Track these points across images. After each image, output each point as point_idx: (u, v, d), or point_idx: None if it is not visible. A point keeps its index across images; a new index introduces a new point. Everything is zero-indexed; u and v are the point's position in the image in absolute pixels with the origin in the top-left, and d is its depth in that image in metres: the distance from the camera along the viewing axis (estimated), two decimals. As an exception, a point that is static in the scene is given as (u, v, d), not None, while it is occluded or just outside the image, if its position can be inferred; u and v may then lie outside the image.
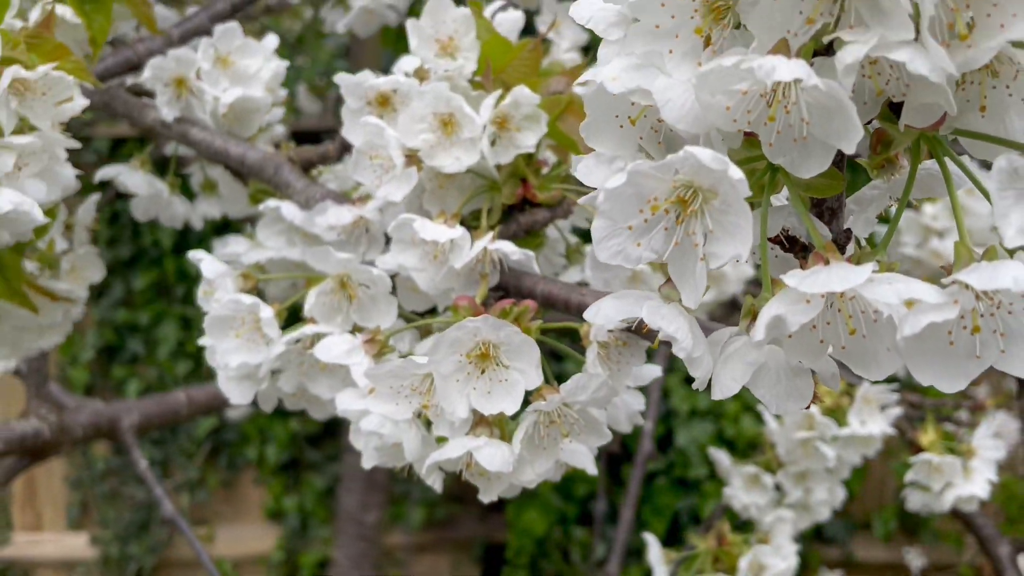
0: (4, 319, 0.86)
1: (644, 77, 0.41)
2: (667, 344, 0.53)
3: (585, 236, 0.86)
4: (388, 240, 0.75)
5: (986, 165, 0.42)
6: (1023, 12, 0.35)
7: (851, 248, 0.46)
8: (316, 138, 2.93)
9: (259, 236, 0.82)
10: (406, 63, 0.83)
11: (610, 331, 0.59)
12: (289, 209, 0.78)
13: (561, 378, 0.60)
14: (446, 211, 0.72)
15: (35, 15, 0.84)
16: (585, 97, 0.44)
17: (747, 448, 2.78)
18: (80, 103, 0.77)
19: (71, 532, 3.27)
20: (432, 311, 0.77)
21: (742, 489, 1.32)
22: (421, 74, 0.78)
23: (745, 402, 2.80)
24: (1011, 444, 1.37)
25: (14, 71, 0.72)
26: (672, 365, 2.17)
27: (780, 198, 0.47)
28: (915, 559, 2.43)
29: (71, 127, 0.79)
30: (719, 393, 0.44)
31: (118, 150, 3.17)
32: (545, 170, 0.76)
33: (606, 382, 0.58)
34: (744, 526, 1.40)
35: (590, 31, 0.46)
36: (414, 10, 1.60)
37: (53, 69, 0.74)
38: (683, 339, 0.43)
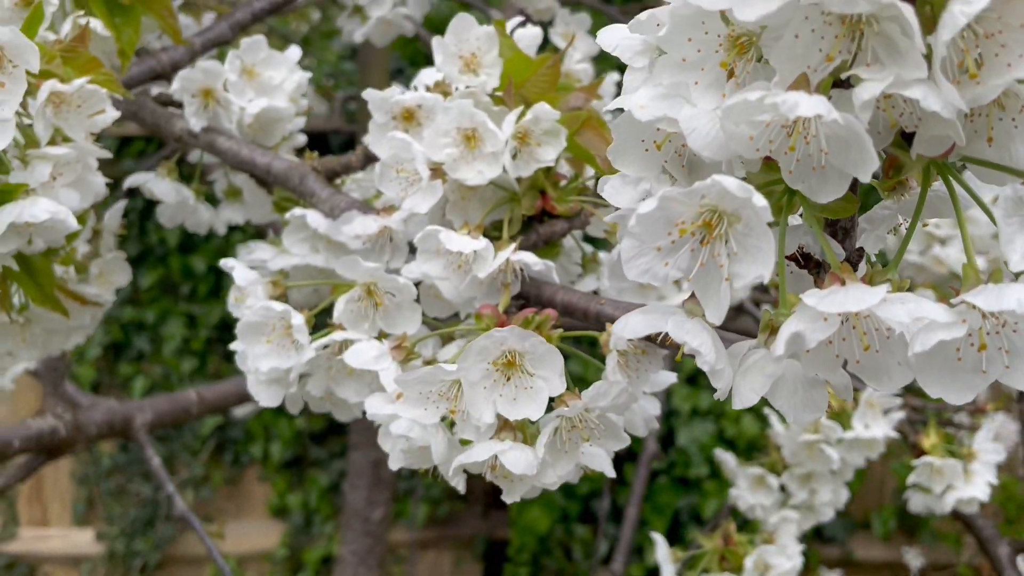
0: (36, 322, 0.88)
1: (671, 106, 0.44)
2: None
3: (594, 243, 0.89)
4: (412, 249, 0.77)
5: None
6: (1028, 53, 0.38)
7: (863, 265, 0.49)
8: (323, 138, 2.96)
9: (284, 243, 0.85)
10: (426, 76, 0.86)
11: (629, 340, 0.62)
12: (315, 218, 0.81)
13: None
14: (469, 222, 0.74)
15: (66, 27, 0.86)
16: (613, 124, 0.47)
17: (748, 448, 2.80)
18: (112, 115, 0.79)
19: (77, 528, 3.29)
20: (453, 317, 0.79)
21: (748, 490, 1.35)
22: (442, 88, 0.80)
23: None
24: (1010, 446, 1.40)
25: (51, 85, 0.74)
26: (673, 366, 2.18)
27: (795, 217, 0.50)
28: (914, 559, 2.46)
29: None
30: (739, 403, 0.46)
31: (125, 148, 3.19)
32: (563, 183, 0.79)
33: (626, 388, 0.60)
34: (747, 526, 1.43)
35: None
36: (429, 19, 1.63)
37: (88, 83, 0.76)
38: (707, 353, 0.46)
